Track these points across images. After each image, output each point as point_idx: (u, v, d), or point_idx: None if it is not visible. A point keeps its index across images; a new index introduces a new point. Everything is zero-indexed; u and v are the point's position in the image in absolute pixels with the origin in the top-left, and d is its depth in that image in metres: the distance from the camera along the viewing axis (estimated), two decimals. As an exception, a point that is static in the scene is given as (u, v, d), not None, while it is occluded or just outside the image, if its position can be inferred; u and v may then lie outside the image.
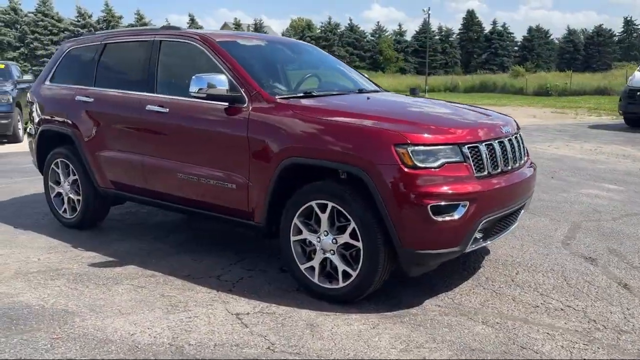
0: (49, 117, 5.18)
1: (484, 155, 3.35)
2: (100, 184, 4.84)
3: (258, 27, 64.73)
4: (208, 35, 4.26)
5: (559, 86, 32.38)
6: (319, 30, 66.98)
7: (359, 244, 3.30)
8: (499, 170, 3.47)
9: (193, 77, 3.80)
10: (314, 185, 3.48)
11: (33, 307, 3.46)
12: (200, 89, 3.77)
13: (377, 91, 4.73)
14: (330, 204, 3.38)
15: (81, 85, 4.98)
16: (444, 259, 3.35)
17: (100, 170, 4.77)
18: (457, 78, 45.74)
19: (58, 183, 5.27)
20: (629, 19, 78.65)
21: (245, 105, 3.78)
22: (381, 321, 3.24)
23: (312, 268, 3.56)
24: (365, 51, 67.94)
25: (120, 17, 61.01)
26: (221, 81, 3.78)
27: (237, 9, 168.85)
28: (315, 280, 3.53)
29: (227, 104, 3.85)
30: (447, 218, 3.15)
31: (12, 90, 12.32)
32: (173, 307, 3.47)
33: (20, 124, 12.48)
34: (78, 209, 5.07)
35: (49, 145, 5.30)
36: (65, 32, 58.17)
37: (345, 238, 3.37)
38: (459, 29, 76.14)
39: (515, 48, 77.63)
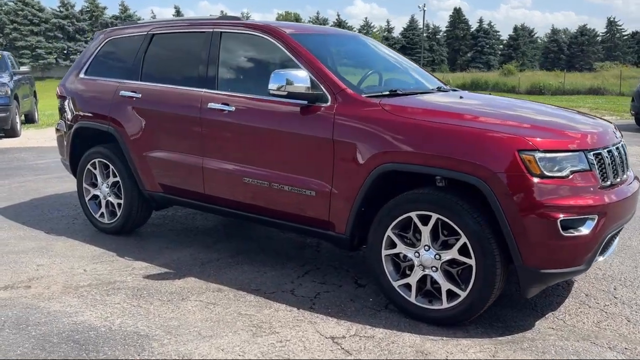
0: (85, 113, 4.76)
1: (606, 163, 3.05)
2: (146, 187, 4.44)
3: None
4: (278, 27, 3.89)
5: (552, 85, 32.44)
6: (307, 25, 66.42)
7: (471, 261, 2.97)
8: (618, 179, 3.17)
9: (273, 73, 3.44)
10: (415, 193, 3.14)
11: (99, 330, 3.08)
12: (280, 86, 3.41)
13: (455, 90, 4.40)
14: (435, 216, 3.04)
15: (124, 79, 4.57)
16: (566, 278, 3.05)
17: (148, 172, 4.38)
18: (448, 76, 45.68)
19: (95, 185, 4.85)
20: (612, 19, 79.53)
21: (328, 104, 3.43)
22: (499, 348, 2.91)
23: (407, 285, 3.22)
24: (353, 47, 67.54)
25: (105, 8, 59.91)
26: (302, 78, 3.42)
27: (219, 2, 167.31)
28: (412, 299, 3.20)
29: (304, 102, 3.49)
30: (576, 233, 2.84)
31: (10, 81, 11.74)
32: (257, 328, 3.11)
33: (17, 117, 11.92)
34: (119, 214, 4.67)
35: (85, 144, 4.88)
36: (48, 22, 56.96)
37: (452, 254, 3.04)
38: (446, 27, 76.27)
39: (501, 46, 78.03)
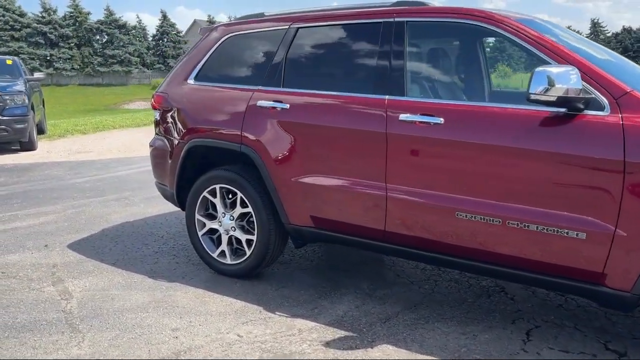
0: (204, 129, 3.80)
1: None
2: (291, 220, 3.51)
3: (233, 25, 62.75)
4: (500, 13, 2.99)
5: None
6: (295, 29, 65.38)
7: None
8: None
9: (535, 71, 2.53)
10: None
11: None
12: (546, 90, 2.51)
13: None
14: None
15: (258, 85, 3.63)
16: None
17: (295, 201, 3.45)
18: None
19: (212, 217, 3.90)
20: (595, 21, 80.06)
21: (606, 112, 2.54)
22: None
23: None
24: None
25: (89, 14, 58.21)
26: (570, 77, 2.52)
27: (196, 7, 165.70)
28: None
29: (562, 110, 2.60)
30: None
31: (26, 89, 10.64)
32: None
33: (35, 128, 10.81)
34: (248, 253, 3.71)
35: (200, 166, 3.92)
36: (30, 27, 55.15)
37: None
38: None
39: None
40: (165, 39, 61.54)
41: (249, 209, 3.66)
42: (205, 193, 3.85)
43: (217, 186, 3.78)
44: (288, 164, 3.43)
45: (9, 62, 11.54)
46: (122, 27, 58.47)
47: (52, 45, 57.93)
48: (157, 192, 6.49)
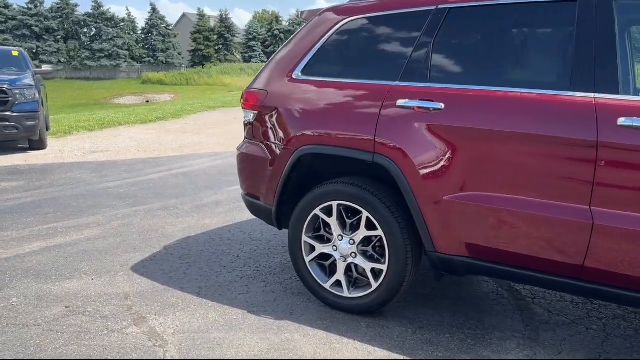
0: (320, 133, 3.12)
1: None
2: (438, 248, 2.85)
3: (224, 19, 61.80)
4: None
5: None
6: (287, 23, 64.63)
7: None
8: None
9: None
10: None
11: None
12: None
13: None
14: None
15: (393, 80, 2.96)
16: None
17: (447, 225, 2.79)
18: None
19: (323, 239, 3.23)
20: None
21: None
22: None
23: None
24: (335, 46, 65.94)
25: (76, 6, 56.78)
26: None
27: (179, 0, 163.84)
28: None
29: None
30: None
31: (36, 83, 9.82)
32: None
33: (45, 126, 10.01)
34: (375, 284, 3.06)
35: (310, 178, 3.25)
36: (15, 19, 53.62)
37: None
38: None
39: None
40: (155, 32, 60.27)
41: (378, 232, 2.99)
42: (317, 211, 3.17)
43: (335, 203, 3.10)
44: (440, 179, 2.77)
45: (15, 53, 10.68)
46: (110, 20, 57.12)
47: (38, 38, 56.46)
48: (206, 200, 5.85)
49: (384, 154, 2.89)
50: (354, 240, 3.10)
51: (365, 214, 3.01)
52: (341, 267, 3.16)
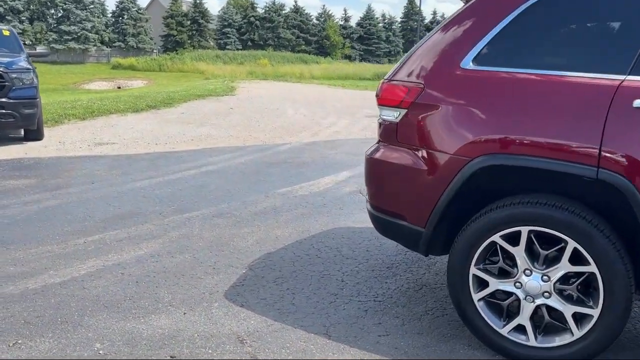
0: (512, 139, 2.45)
1: None
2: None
3: (198, 4, 60.10)
4: None
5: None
6: (262, 11, 63.28)
7: None
8: None
9: None
10: None
11: None
12: None
13: None
14: None
15: (622, 73, 2.31)
16: None
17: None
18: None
19: (501, 274, 2.57)
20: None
21: None
22: None
23: None
24: (312, 35, 65.11)
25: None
26: None
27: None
28: None
29: None
30: None
31: (33, 67, 8.84)
32: None
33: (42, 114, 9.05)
34: (579, 333, 2.43)
35: (481, 195, 2.59)
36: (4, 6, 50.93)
37: None
38: (401, 18, 75.26)
39: (454, 39, 77.91)
40: (126, 16, 58.15)
41: (589, 268, 2.36)
42: (496, 237, 2.52)
43: (525, 229, 2.45)
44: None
45: (6, 32, 9.61)
46: (79, 2, 54.81)
47: (2, 19, 53.82)
48: (261, 205, 5.09)
49: (613, 170, 2.24)
50: (548, 276, 2.45)
51: (572, 244, 2.37)
52: (528, 308, 2.52)
